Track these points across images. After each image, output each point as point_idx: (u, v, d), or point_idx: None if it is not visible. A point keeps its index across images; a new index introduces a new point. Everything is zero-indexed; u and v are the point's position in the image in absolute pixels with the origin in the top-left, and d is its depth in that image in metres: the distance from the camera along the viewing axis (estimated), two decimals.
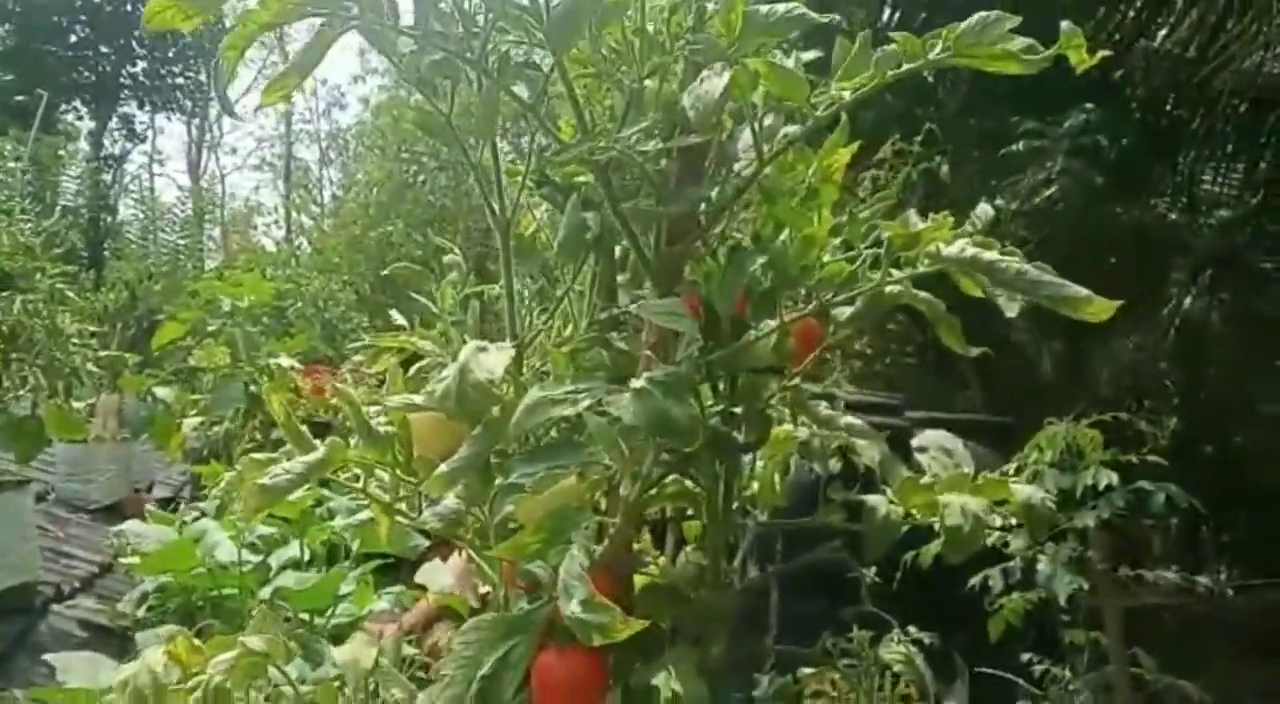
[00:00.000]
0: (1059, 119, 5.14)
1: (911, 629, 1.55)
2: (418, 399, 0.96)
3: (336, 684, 1.11)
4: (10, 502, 3.68)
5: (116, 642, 4.07)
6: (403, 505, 1.13)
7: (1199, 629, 3.52)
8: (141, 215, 19.16)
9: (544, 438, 0.95)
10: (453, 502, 0.96)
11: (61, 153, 14.18)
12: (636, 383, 0.76)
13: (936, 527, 1.23)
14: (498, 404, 0.87)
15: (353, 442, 1.00)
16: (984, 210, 0.88)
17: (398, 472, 1.00)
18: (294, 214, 28.85)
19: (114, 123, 19.96)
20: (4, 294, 3.77)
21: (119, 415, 5.48)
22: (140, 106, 21.03)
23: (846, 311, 0.97)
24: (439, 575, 3.01)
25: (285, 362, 5.31)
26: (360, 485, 1.08)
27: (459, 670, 0.69)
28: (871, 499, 1.16)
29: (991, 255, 0.81)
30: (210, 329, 5.45)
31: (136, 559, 2.99)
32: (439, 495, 0.95)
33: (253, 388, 5.34)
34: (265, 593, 2.39)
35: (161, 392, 5.18)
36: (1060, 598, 2.11)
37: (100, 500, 5.51)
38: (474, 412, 0.85)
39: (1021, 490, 1.28)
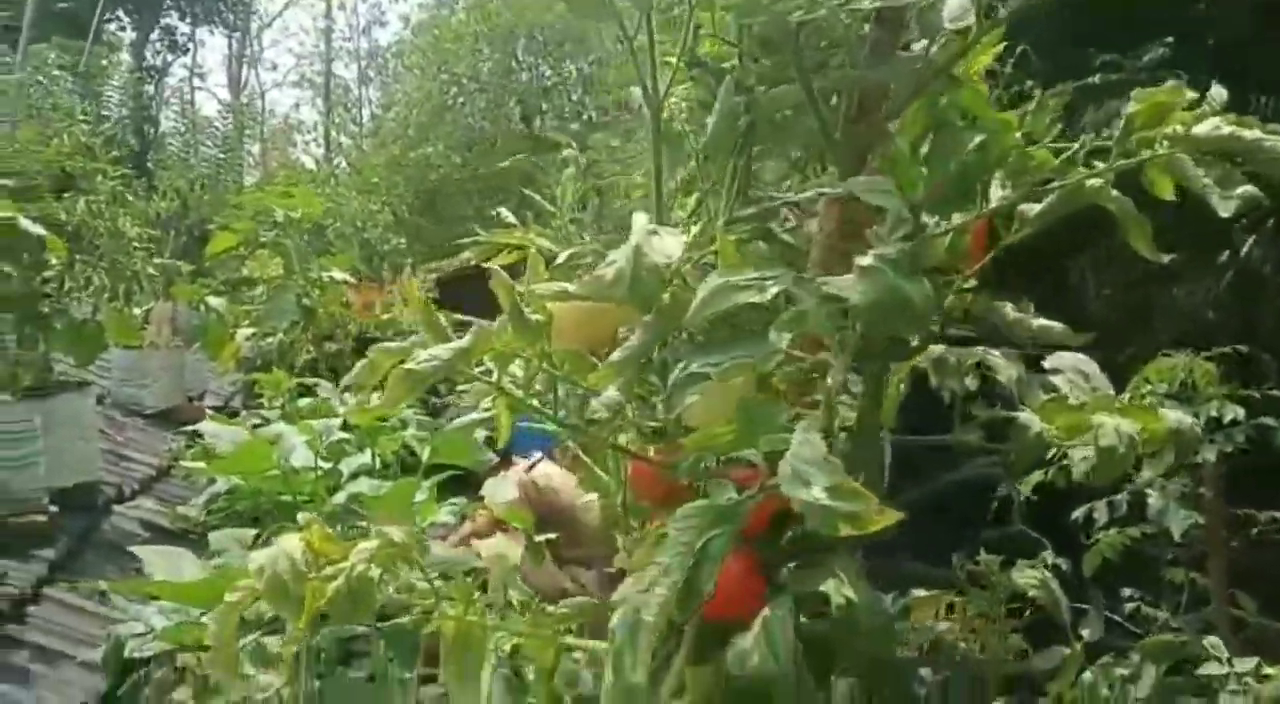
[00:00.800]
0: (1138, 53, 4.98)
1: (1045, 555, 1.51)
2: (571, 288, 0.90)
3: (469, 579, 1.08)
4: (72, 402, 3.71)
5: (177, 543, 4.15)
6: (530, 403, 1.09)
7: None
8: (182, 128, 19.14)
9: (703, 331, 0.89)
10: (614, 394, 0.91)
11: (105, 63, 14.11)
12: (864, 260, 0.70)
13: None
14: (670, 290, 0.81)
15: (497, 329, 0.95)
16: (1218, 92, 0.80)
17: (543, 363, 0.95)
18: (333, 133, 28.72)
19: (155, 34, 19.84)
20: (67, 195, 3.75)
21: (172, 323, 5.50)
22: (182, 18, 20.88)
23: (1034, 209, 0.90)
24: (503, 488, 3.01)
25: (338, 274, 5.29)
26: (493, 379, 1.04)
27: (675, 558, 0.65)
28: (1023, 416, 1.11)
29: (1254, 133, 0.73)
30: (262, 240, 5.44)
31: (202, 464, 3.00)
32: (600, 386, 0.90)
33: (305, 300, 5.35)
34: (339, 499, 2.39)
35: (214, 301, 5.19)
36: (1175, 533, 2.05)
37: (155, 406, 5.56)
38: (647, 297, 0.80)
39: (1170, 415, 1.22)
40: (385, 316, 5.87)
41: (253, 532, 2.45)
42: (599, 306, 0.99)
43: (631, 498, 1.17)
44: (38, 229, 2.89)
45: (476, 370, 1.07)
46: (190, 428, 5.15)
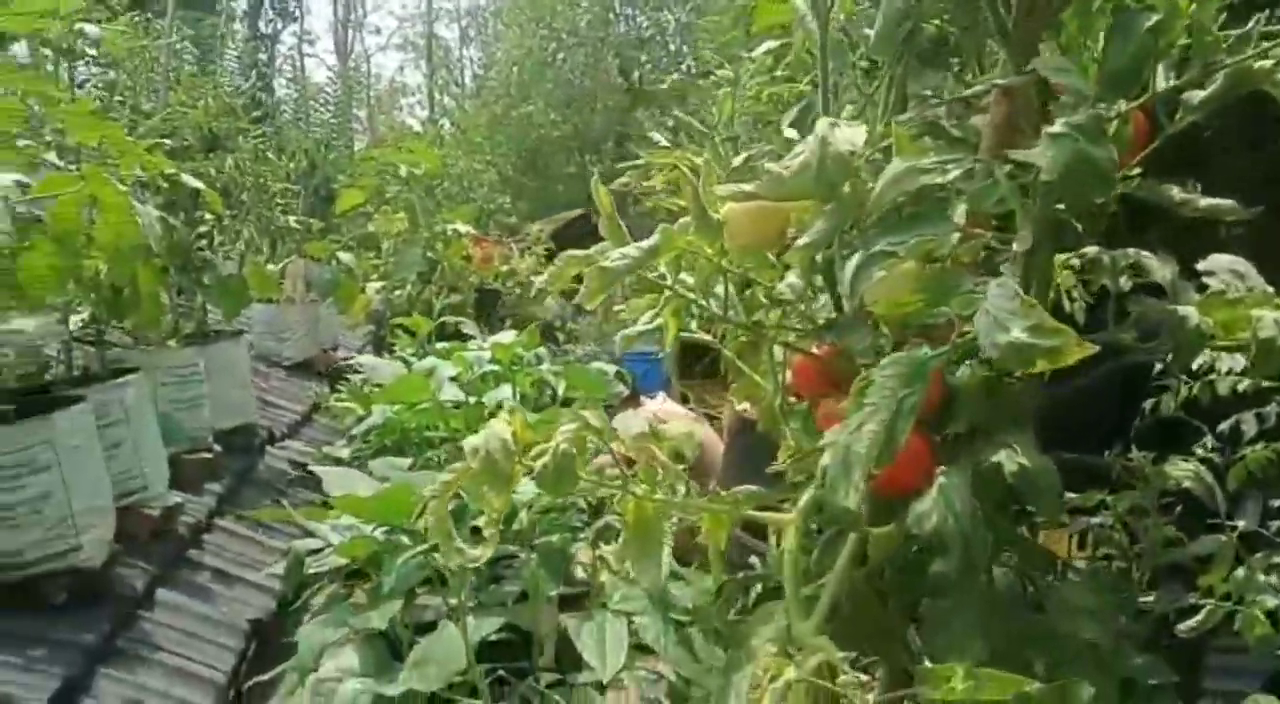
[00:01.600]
0: None
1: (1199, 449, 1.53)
2: (749, 187, 0.97)
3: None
4: (228, 350, 3.97)
5: None
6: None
7: None
8: (295, 94, 19.76)
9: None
10: (795, 280, 0.98)
11: (223, 32, 14.66)
12: (1052, 129, 0.75)
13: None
14: (853, 178, 0.88)
15: (682, 228, 1.03)
16: None
17: (722, 261, 1.03)
18: (437, 94, 29.15)
19: (267, 2, 20.44)
20: (214, 153, 3.98)
21: (305, 279, 5.77)
22: None
23: (1198, 95, 0.93)
24: (631, 420, 3.12)
25: (461, 228, 5.47)
26: (668, 282, 1.13)
27: (883, 400, 0.73)
28: (1181, 310, 1.13)
29: None
30: (387, 196, 5.66)
31: (355, 404, 3.19)
32: (773, 281, 0.98)
33: (430, 253, 5.55)
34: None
35: (344, 256, 5.41)
36: None
37: (293, 358, 5.89)
38: (832, 184, 0.86)
39: None
40: (504, 268, 6.04)
41: (408, 460, 2.62)
42: (769, 207, 1.06)
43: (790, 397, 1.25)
44: (196, 183, 3.09)
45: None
46: (336, 369, 5.47)
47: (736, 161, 1.15)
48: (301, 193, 6.13)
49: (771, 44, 1.50)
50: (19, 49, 2.87)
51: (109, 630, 2.43)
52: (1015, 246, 0.80)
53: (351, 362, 3.78)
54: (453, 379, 2.66)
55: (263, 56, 18.14)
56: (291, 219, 4.45)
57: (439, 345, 3.54)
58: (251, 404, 4.22)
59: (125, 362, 3.19)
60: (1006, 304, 0.68)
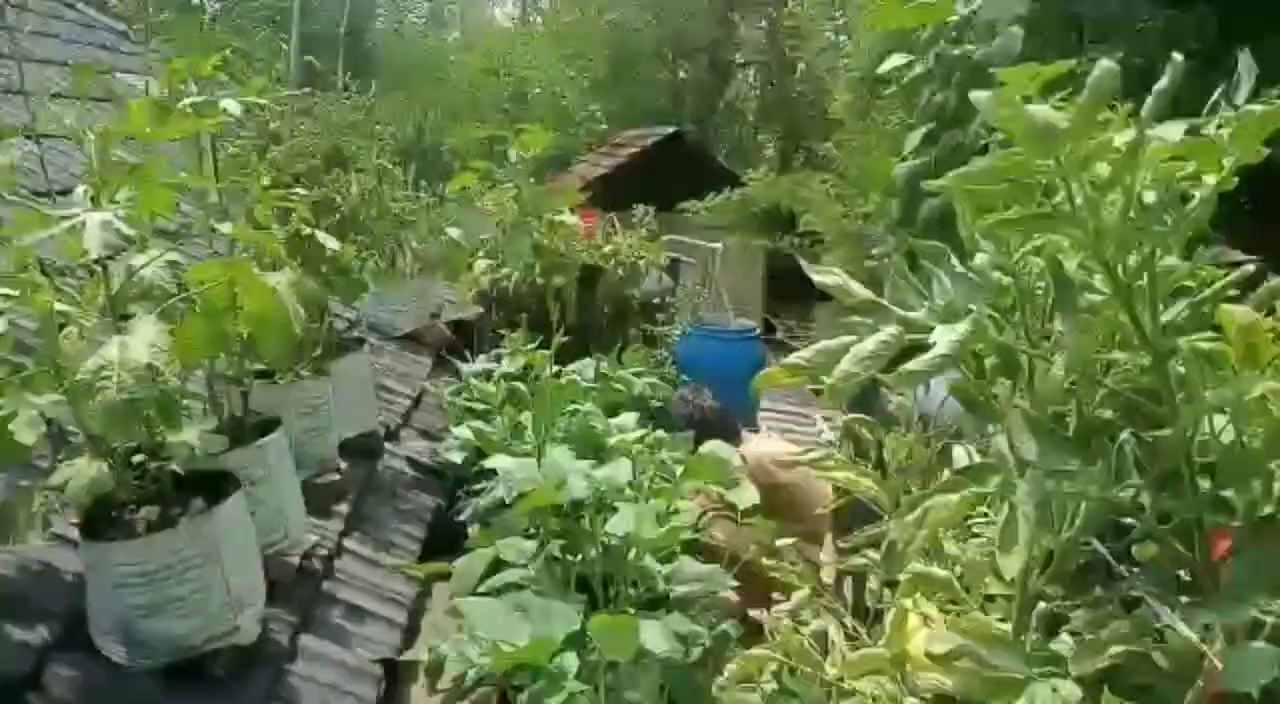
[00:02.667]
0: None
1: None
2: None
3: None
4: (354, 362, 4.12)
5: (438, 481, 4.65)
6: None
7: None
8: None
9: None
10: None
11: None
12: None
13: None
14: None
15: None
16: None
17: None
18: None
19: None
20: (337, 168, 4.04)
21: (415, 251, 5.87)
22: None
23: None
24: (746, 493, 3.20)
25: (569, 219, 5.49)
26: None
27: None
28: None
29: None
30: (496, 178, 5.69)
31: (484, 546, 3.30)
32: None
33: (537, 236, 5.60)
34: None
35: (453, 231, 5.47)
36: None
37: (402, 328, 6.06)
38: None
39: None
40: (607, 247, 6.06)
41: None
42: None
43: None
44: (333, 244, 3.18)
45: None
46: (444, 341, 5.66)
47: None
48: (410, 163, 6.18)
49: None
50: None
51: (264, 697, 2.66)
52: None
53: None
54: (587, 478, 2.74)
55: None
56: (412, 240, 4.53)
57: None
58: (374, 413, 4.40)
59: (263, 400, 3.35)
60: None
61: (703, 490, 3.37)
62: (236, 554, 2.61)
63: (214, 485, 2.72)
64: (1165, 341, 1.15)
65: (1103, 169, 1.08)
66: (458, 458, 4.39)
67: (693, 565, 2.77)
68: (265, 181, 3.63)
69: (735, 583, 2.78)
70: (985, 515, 1.58)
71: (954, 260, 1.28)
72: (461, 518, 4.07)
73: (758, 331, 6.63)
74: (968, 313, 1.17)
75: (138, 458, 2.44)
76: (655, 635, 2.22)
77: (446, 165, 7.06)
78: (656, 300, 6.31)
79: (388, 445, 4.59)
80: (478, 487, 3.70)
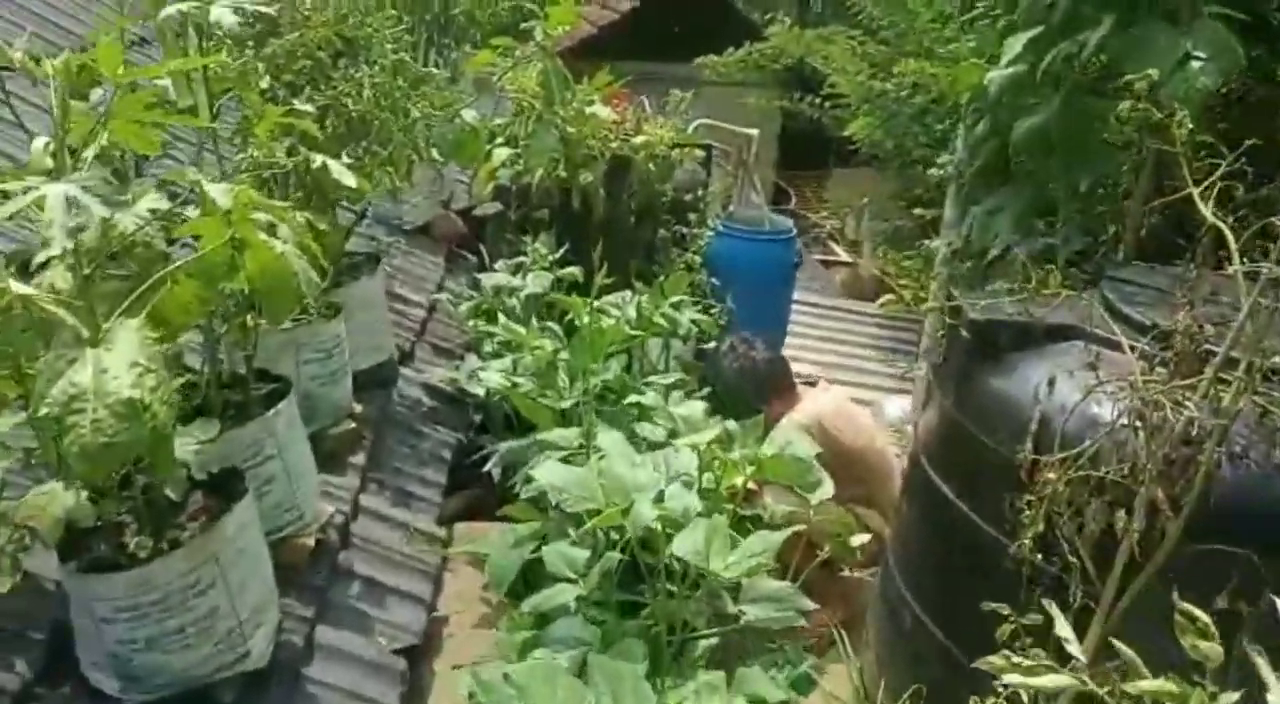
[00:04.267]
0: None
1: None
2: None
3: None
4: (368, 287, 3.67)
5: (457, 406, 4.26)
6: None
7: None
8: None
9: None
10: None
11: None
12: None
13: None
14: None
15: None
16: None
17: None
18: None
19: None
20: (344, 61, 3.47)
21: (425, 137, 5.28)
22: None
23: None
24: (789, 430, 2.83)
25: (600, 110, 4.89)
26: None
27: None
28: None
29: None
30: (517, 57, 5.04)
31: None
32: None
33: (565, 129, 5.01)
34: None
35: (468, 114, 4.88)
36: None
37: (413, 221, 5.56)
38: None
39: None
40: (638, 139, 5.47)
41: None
42: None
43: None
44: (349, 180, 2.68)
45: None
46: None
47: None
48: (422, 36, 5.52)
49: None
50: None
51: None
52: None
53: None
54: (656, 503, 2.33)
55: None
56: (431, 148, 3.98)
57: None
58: (389, 337, 3.97)
59: (268, 347, 2.91)
60: None
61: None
62: (245, 569, 2.24)
63: (217, 486, 2.33)
64: None
65: None
66: (480, 390, 3.99)
67: (764, 583, 2.42)
68: (264, 85, 3.09)
69: (811, 605, 2.44)
70: None
71: None
72: (488, 468, 3.72)
73: (793, 232, 6.11)
74: None
75: (124, 479, 2.03)
76: None
77: (461, 29, 6.32)
78: (688, 196, 5.75)
79: (402, 370, 4.17)
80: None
